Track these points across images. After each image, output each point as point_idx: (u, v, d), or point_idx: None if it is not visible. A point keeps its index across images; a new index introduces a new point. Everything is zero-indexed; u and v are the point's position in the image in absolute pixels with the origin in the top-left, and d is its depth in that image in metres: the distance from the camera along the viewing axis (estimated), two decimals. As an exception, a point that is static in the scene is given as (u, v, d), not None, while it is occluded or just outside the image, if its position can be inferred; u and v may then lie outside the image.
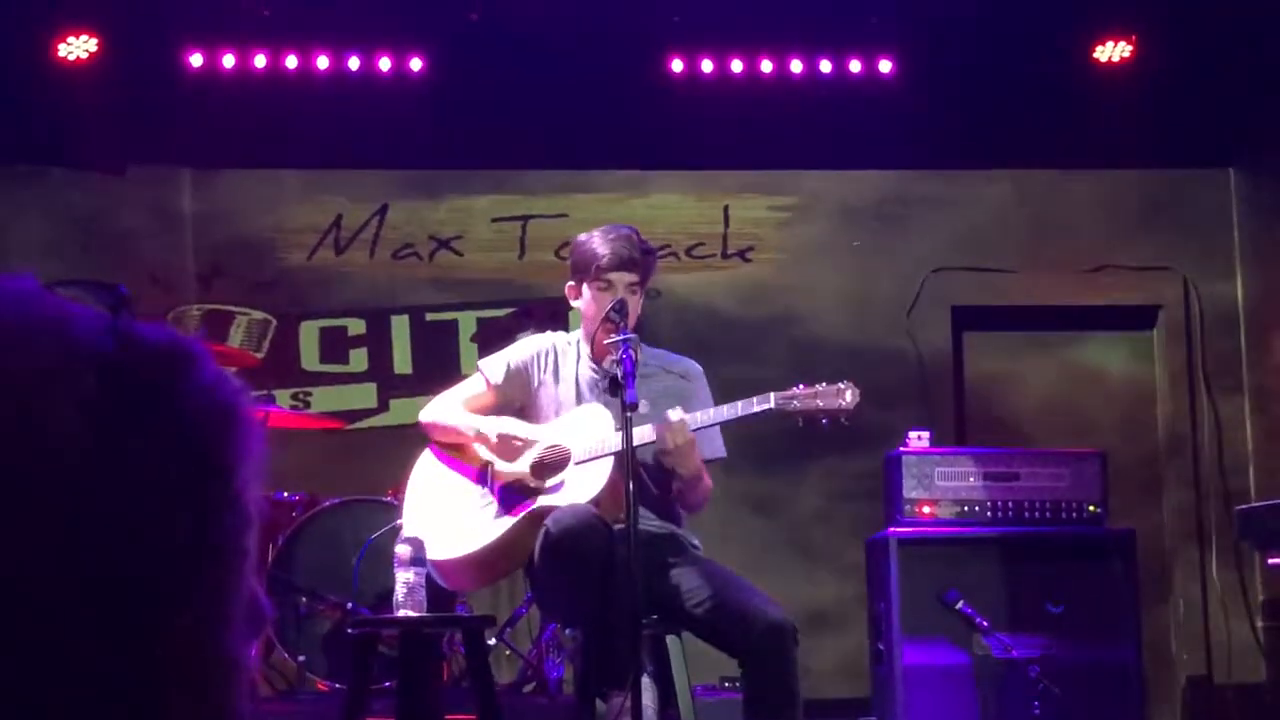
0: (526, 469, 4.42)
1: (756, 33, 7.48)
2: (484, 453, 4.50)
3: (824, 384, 4.30)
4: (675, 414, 4.21)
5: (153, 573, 0.83)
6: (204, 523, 0.85)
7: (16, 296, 0.85)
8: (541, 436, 4.46)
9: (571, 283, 4.56)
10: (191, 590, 0.84)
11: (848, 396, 4.27)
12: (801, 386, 4.30)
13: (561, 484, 4.35)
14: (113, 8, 7.20)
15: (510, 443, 4.43)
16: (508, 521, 4.36)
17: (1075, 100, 7.52)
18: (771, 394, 4.26)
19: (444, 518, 4.48)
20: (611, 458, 4.25)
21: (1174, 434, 7.75)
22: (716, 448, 4.55)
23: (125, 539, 0.82)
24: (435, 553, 4.40)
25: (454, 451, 4.59)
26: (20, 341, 0.82)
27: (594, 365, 4.53)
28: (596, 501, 4.21)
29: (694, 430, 4.28)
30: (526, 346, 4.66)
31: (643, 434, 4.25)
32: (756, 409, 4.26)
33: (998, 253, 7.80)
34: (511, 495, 4.42)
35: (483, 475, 4.48)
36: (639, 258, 4.46)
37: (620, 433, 4.10)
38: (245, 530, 0.88)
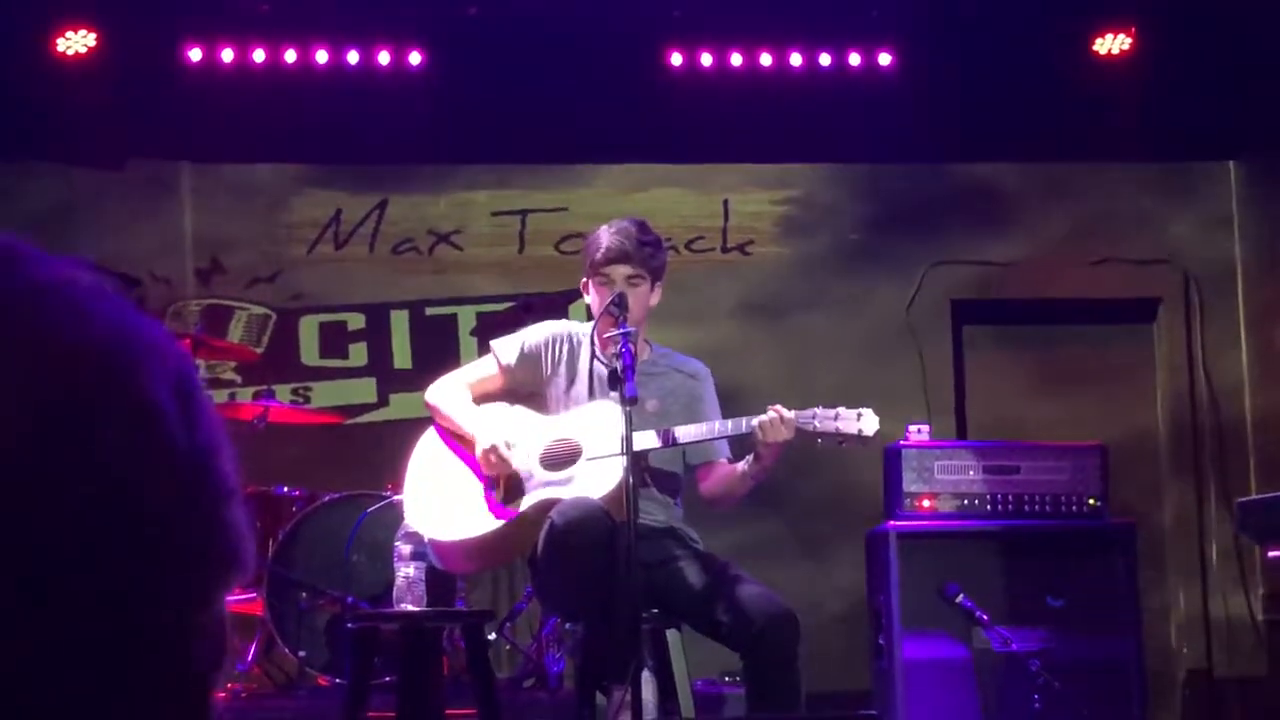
0: (536, 459, 4.40)
1: (756, 26, 7.48)
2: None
3: (844, 407, 4.29)
4: (784, 411, 4.21)
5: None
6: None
7: None
8: (553, 428, 4.43)
9: (584, 279, 4.56)
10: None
11: (867, 424, 4.26)
12: (821, 408, 4.29)
13: (571, 478, 4.33)
14: (111, 2, 7.20)
15: (489, 457, 4.36)
16: (513, 510, 4.34)
17: (1075, 93, 7.52)
18: (794, 412, 4.24)
19: (446, 498, 4.43)
20: (623, 459, 4.20)
21: (1174, 427, 7.75)
22: (724, 449, 4.56)
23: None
24: (434, 532, 4.37)
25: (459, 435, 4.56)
26: None
27: (602, 359, 4.52)
28: (606, 500, 4.19)
29: (713, 439, 4.33)
30: (542, 330, 4.61)
31: (648, 438, 4.25)
32: None
33: (997, 246, 7.80)
34: (518, 484, 4.40)
35: None
36: (634, 250, 4.43)
37: (635, 434, 4.09)
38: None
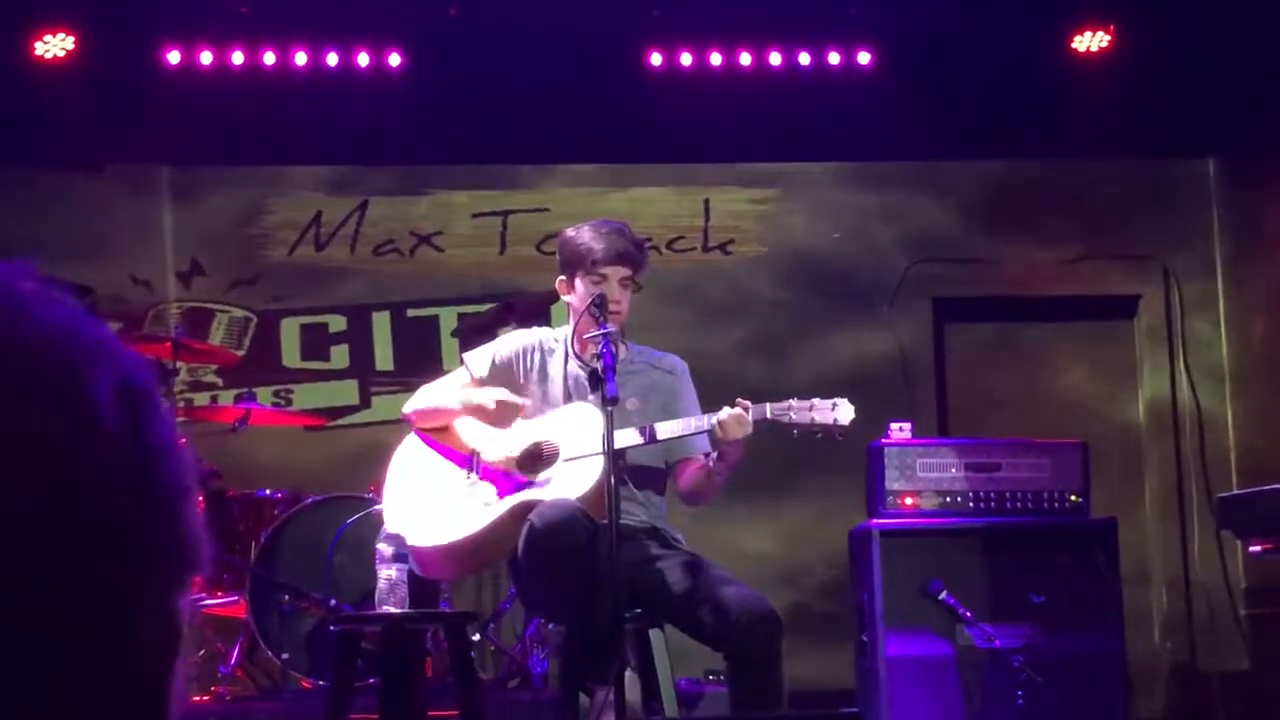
0: (514, 461, 4.40)
1: (735, 25, 7.49)
2: (471, 439, 4.46)
3: (819, 398, 4.29)
4: (743, 407, 4.20)
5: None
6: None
7: None
8: (531, 431, 4.43)
9: (562, 277, 4.54)
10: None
11: (842, 413, 4.26)
12: (796, 399, 4.29)
13: (549, 479, 4.33)
14: (90, 5, 7.18)
15: (506, 407, 4.40)
16: (492, 513, 4.33)
17: (1054, 90, 7.54)
18: (767, 405, 4.24)
19: (426, 504, 4.43)
20: (601, 458, 4.21)
21: (1155, 423, 7.77)
22: (703, 445, 4.55)
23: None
24: (414, 539, 4.36)
25: (441, 437, 4.55)
26: None
27: (580, 361, 4.51)
28: (584, 500, 4.19)
29: (690, 434, 4.32)
30: (512, 341, 4.63)
31: (629, 436, 4.25)
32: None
33: (978, 244, 7.81)
34: (497, 487, 4.40)
35: (469, 463, 4.45)
36: (634, 253, 4.46)
37: (615, 433, 4.09)
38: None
